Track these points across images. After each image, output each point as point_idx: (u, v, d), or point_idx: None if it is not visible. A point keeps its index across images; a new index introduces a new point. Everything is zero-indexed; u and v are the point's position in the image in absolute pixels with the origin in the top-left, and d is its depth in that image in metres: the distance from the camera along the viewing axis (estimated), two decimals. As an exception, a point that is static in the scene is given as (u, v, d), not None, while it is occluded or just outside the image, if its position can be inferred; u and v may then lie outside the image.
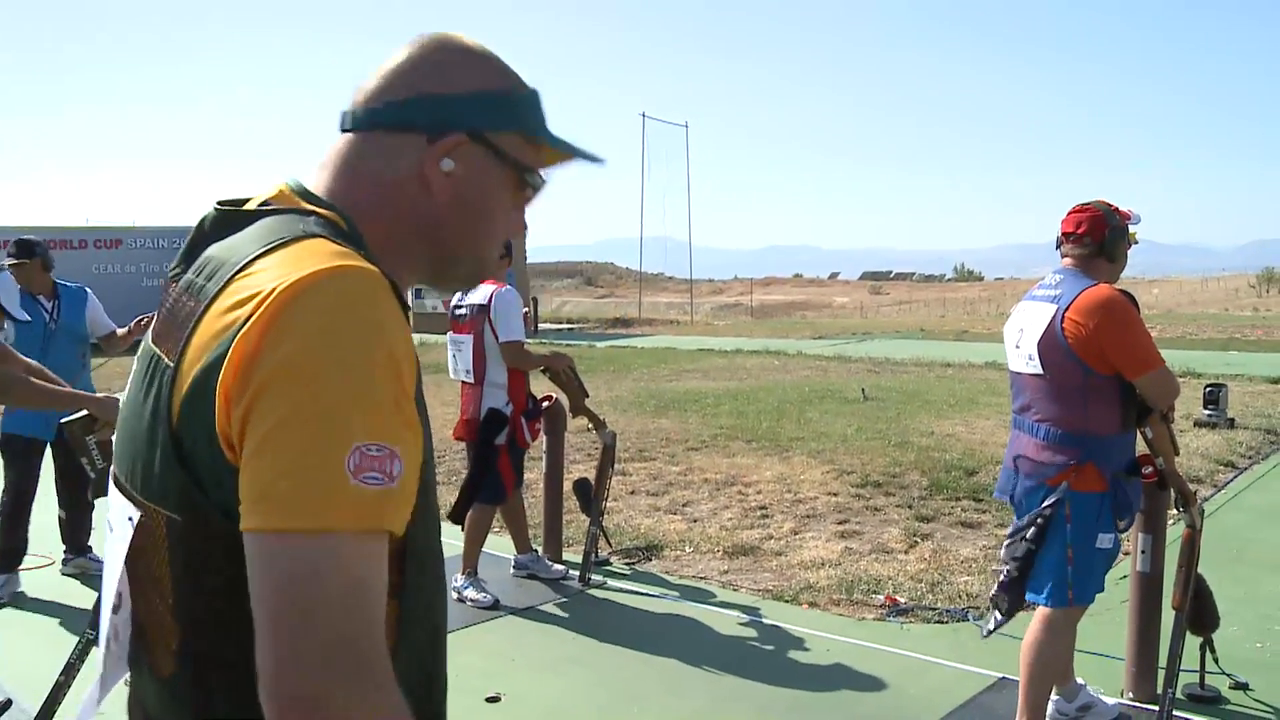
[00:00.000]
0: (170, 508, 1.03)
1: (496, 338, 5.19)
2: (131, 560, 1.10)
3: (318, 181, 1.18)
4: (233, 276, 1.04)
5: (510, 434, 5.27)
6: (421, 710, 1.15)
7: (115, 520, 1.13)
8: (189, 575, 1.04)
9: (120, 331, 5.98)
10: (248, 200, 1.18)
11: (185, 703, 1.08)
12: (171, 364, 1.03)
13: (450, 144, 1.15)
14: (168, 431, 1.02)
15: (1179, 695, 3.86)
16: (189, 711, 1.08)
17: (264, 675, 0.91)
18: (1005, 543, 3.59)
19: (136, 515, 1.08)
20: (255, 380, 0.95)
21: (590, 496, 5.78)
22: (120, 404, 1.19)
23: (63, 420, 3.27)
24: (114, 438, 1.19)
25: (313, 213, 1.12)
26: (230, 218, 1.16)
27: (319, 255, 1.02)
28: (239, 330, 0.97)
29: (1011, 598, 3.57)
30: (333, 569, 0.91)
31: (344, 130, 1.19)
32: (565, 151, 1.25)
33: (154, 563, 1.07)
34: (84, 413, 3.28)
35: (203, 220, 1.18)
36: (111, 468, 1.18)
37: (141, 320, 5.62)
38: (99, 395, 3.34)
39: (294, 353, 0.95)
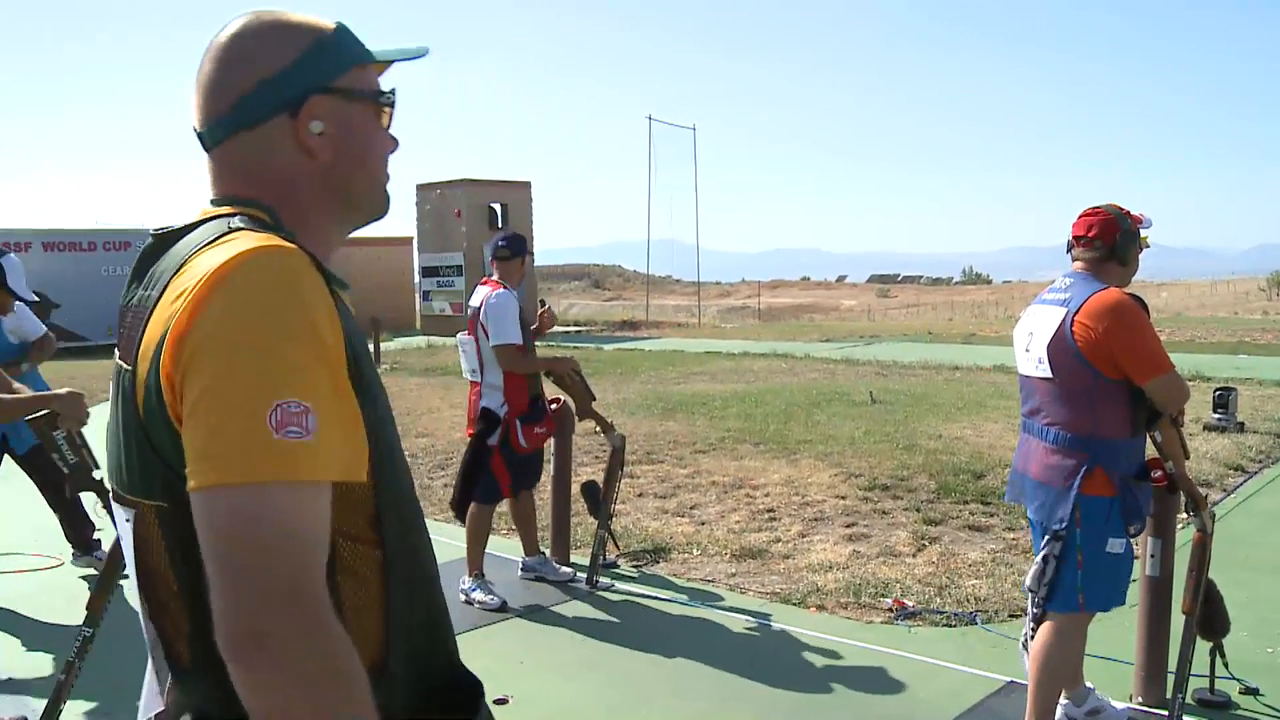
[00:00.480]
0: (156, 498, 1.12)
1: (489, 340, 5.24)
2: (139, 559, 1.18)
3: (223, 193, 1.27)
4: (170, 279, 1.13)
5: (504, 435, 5.29)
6: (431, 650, 1.26)
7: (122, 529, 1.22)
8: (184, 557, 1.11)
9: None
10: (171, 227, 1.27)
11: (206, 686, 1.14)
12: (129, 368, 1.14)
13: (310, 109, 1.24)
14: (138, 426, 1.11)
15: (1188, 700, 3.85)
16: (211, 694, 1.14)
17: (216, 618, 1.00)
18: (1033, 568, 3.54)
19: (130, 514, 1.17)
20: (185, 354, 1.04)
21: (598, 499, 5.78)
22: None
23: (27, 419, 3.31)
24: (106, 452, 1.28)
25: (235, 213, 1.21)
26: (165, 240, 1.24)
27: (244, 240, 1.12)
28: (174, 318, 1.06)
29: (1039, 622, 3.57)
30: (265, 517, 1.00)
31: (209, 148, 1.27)
32: (390, 60, 1.35)
33: (155, 555, 1.15)
34: (45, 409, 3.32)
35: (144, 250, 1.27)
36: (109, 487, 1.27)
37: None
38: (61, 391, 3.37)
39: (218, 325, 1.04)
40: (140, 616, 1.24)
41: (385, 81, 1.35)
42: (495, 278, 5.41)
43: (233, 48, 1.24)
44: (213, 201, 1.27)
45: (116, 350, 1.25)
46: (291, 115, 1.24)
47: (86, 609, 3.50)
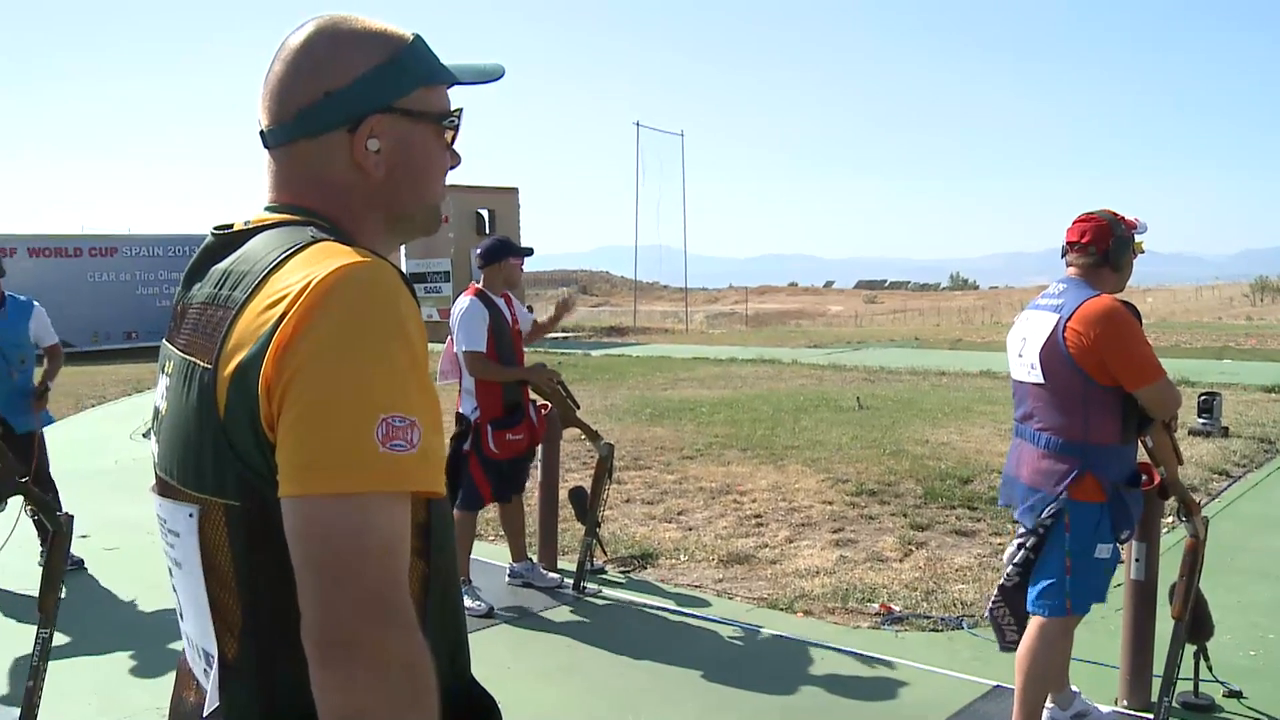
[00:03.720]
0: (229, 496, 1.12)
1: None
2: (203, 553, 1.18)
3: (277, 200, 1.28)
4: (260, 282, 1.14)
5: (475, 441, 5.29)
6: (453, 667, 1.26)
7: (174, 525, 1.21)
8: (252, 554, 1.13)
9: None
10: (233, 225, 1.27)
11: (252, 681, 1.16)
12: (210, 366, 1.13)
13: (368, 128, 1.24)
14: (217, 426, 1.12)
15: (1173, 703, 3.86)
16: (256, 686, 1.16)
17: (307, 621, 1.03)
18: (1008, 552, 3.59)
19: (195, 511, 1.17)
20: (290, 365, 1.05)
21: (585, 505, 5.77)
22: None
23: None
24: (155, 447, 1.27)
25: (307, 223, 1.22)
26: (228, 240, 1.25)
27: (338, 253, 1.12)
28: (277, 325, 1.07)
29: (1010, 601, 3.58)
30: (369, 527, 1.03)
31: (268, 147, 1.27)
32: (467, 83, 1.34)
33: (215, 552, 1.16)
34: None
35: (206, 246, 1.27)
36: (153, 482, 1.27)
37: None
38: None
39: (325, 340, 1.06)
40: (178, 614, 1.25)
41: (455, 96, 1.34)
42: (479, 284, 5.44)
43: (304, 53, 1.24)
44: (270, 208, 1.27)
45: (175, 343, 1.24)
46: (350, 131, 1.24)
47: (39, 610, 3.49)
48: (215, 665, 1.18)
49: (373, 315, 1.08)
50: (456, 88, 1.34)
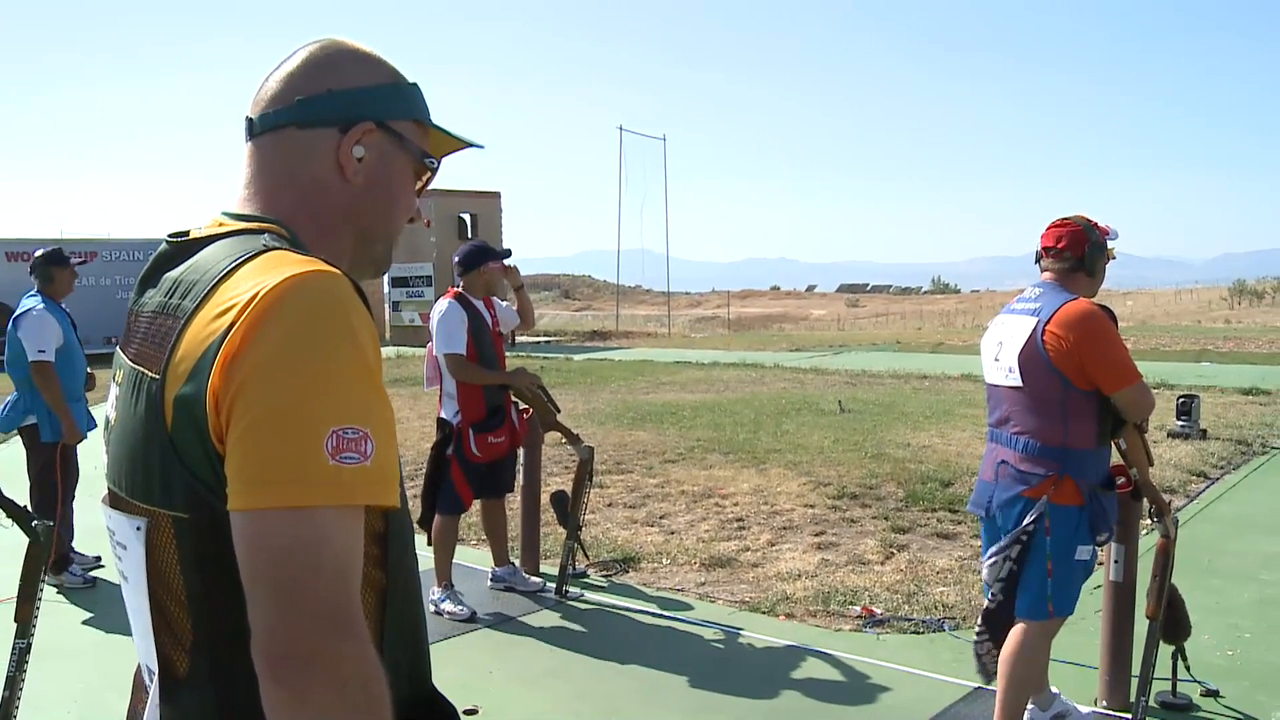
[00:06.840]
0: (177, 508, 1.11)
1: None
2: (148, 566, 1.16)
3: (245, 200, 1.28)
4: (210, 291, 1.12)
5: (458, 444, 5.29)
6: (412, 676, 1.26)
7: (123, 537, 1.19)
8: (202, 566, 1.11)
9: None
10: (188, 233, 1.27)
11: (204, 699, 1.14)
12: (157, 376, 1.11)
13: (360, 131, 1.26)
14: (165, 437, 1.10)
15: (1151, 703, 3.89)
16: (212, 699, 1.14)
17: (258, 637, 1.01)
18: (987, 563, 3.58)
19: (143, 523, 1.15)
20: (238, 377, 1.04)
21: (566, 509, 5.77)
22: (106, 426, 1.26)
23: None
24: (106, 458, 1.26)
25: (261, 230, 1.21)
26: (183, 248, 1.24)
27: (288, 263, 1.11)
28: (224, 336, 1.06)
29: (994, 628, 3.58)
30: (320, 541, 1.02)
31: (254, 136, 1.28)
32: (451, 139, 1.38)
33: (164, 565, 1.14)
34: None
35: (160, 253, 1.26)
36: (104, 494, 1.25)
37: None
38: None
39: (273, 350, 1.04)
40: (132, 627, 1.22)
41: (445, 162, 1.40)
42: (459, 288, 5.45)
43: (317, 54, 1.28)
44: (230, 215, 1.26)
45: (126, 352, 1.22)
46: (341, 131, 1.26)
47: (15, 621, 3.46)
48: (155, 680, 1.17)
49: (322, 325, 1.07)
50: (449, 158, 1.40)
